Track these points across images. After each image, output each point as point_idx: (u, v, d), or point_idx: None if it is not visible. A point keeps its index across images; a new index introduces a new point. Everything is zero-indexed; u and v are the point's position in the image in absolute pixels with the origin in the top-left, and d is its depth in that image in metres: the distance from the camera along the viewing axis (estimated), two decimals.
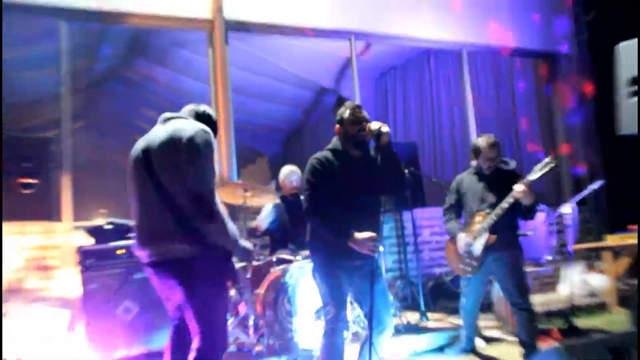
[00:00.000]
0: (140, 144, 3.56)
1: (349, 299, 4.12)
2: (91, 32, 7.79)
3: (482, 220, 5.09)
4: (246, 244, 3.52)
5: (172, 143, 3.37)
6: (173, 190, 3.34)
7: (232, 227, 3.39)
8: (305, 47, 8.37)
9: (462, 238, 5.18)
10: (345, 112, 4.02)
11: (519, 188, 4.83)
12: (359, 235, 3.77)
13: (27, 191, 5.37)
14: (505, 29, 8.98)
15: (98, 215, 7.19)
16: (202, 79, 7.48)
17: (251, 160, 11.80)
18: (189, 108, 3.73)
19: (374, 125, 3.89)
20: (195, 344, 3.35)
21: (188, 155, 3.33)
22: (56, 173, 6.15)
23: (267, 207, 6.28)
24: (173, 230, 3.31)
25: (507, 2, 9.08)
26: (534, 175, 4.85)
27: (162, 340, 4.88)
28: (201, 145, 3.36)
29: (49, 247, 6.14)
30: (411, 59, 9.99)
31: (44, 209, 5.48)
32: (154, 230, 3.40)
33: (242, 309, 5.31)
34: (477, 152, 5.29)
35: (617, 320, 6.53)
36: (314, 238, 4.06)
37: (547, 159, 4.87)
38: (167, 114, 3.63)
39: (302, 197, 4.07)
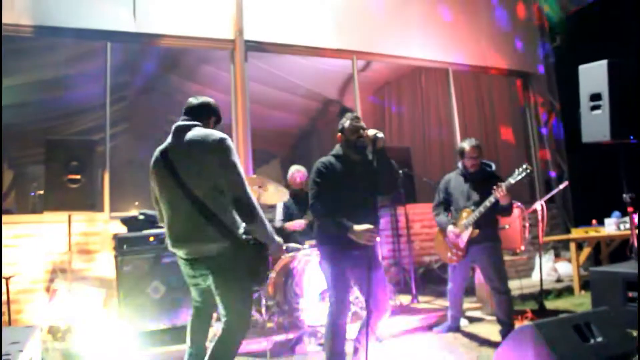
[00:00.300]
0: (160, 158, 3.36)
1: (351, 283, 4.03)
2: (133, 51, 7.71)
3: (468, 216, 5.03)
4: (279, 239, 3.43)
5: (198, 153, 3.24)
6: (202, 195, 3.21)
7: (268, 224, 3.30)
8: (314, 64, 8.28)
9: (451, 230, 5.08)
10: (345, 122, 3.98)
11: (499, 191, 4.78)
12: (358, 227, 3.72)
13: (74, 186, 5.30)
14: (484, 52, 8.89)
15: (133, 207, 7.11)
16: (224, 91, 7.39)
17: (265, 162, 11.70)
18: (189, 105, 3.47)
19: (371, 131, 3.85)
20: (221, 324, 3.29)
21: (221, 164, 3.21)
22: (99, 170, 6.09)
23: (279, 205, 6.17)
24: (204, 231, 3.20)
25: (486, 29, 8.99)
26: (513, 179, 4.83)
27: (186, 317, 4.84)
28: (230, 153, 3.25)
29: (91, 234, 6.12)
30: (405, 75, 9.88)
31: (88, 201, 5.39)
32: (186, 231, 3.27)
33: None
34: (461, 153, 5.24)
35: (581, 302, 6.46)
36: (320, 231, 3.99)
37: (524, 166, 4.88)
38: (179, 124, 3.38)
39: (309, 195, 3.95)
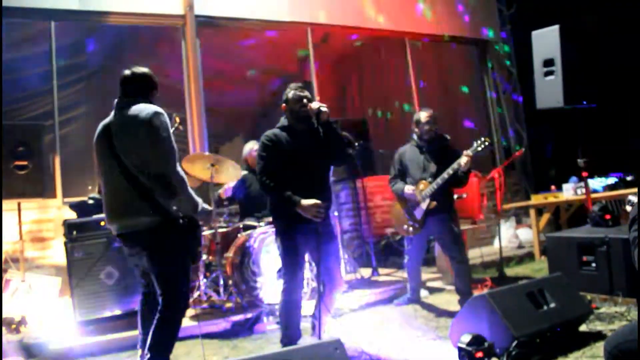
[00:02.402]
0: (101, 132, 3.39)
1: (306, 258, 3.99)
2: (83, 30, 7.44)
3: (425, 188, 4.95)
4: (206, 206, 3.43)
5: (131, 128, 3.24)
6: (135, 170, 3.21)
7: (192, 194, 3.30)
8: (270, 37, 8.09)
9: (410, 188, 5.01)
10: (289, 92, 3.89)
11: (464, 160, 4.74)
12: (305, 202, 3.64)
13: (22, 172, 5.11)
14: (441, 21, 8.79)
15: (88, 191, 6.93)
16: (181, 68, 7.19)
17: (228, 139, 11.51)
18: (124, 77, 3.41)
19: (315, 104, 3.77)
20: (159, 305, 3.27)
21: (149, 139, 3.20)
22: (51, 156, 5.92)
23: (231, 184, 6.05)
24: (136, 205, 3.21)
25: None
26: (472, 151, 4.83)
27: None
28: (160, 128, 3.23)
29: (44, 221, 5.97)
30: (363, 47, 9.75)
31: (37, 187, 5.20)
32: (119, 206, 3.29)
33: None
34: (417, 122, 5.16)
35: (540, 267, 6.50)
36: (273, 206, 3.93)
37: (482, 138, 4.91)
38: (121, 100, 3.38)
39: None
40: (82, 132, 10.04)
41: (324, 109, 3.73)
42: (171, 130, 3.32)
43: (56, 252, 5.79)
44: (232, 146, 11.77)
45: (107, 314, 4.71)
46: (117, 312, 4.73)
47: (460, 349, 3.36)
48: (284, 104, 3.91)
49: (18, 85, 7.93)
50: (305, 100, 3.81)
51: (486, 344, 3.32)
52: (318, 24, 7.71)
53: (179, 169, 3.25)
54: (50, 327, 4.80)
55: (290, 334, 3.79)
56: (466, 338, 3.37)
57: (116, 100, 3.40)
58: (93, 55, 8.78)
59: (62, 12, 6.15)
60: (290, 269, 3.80)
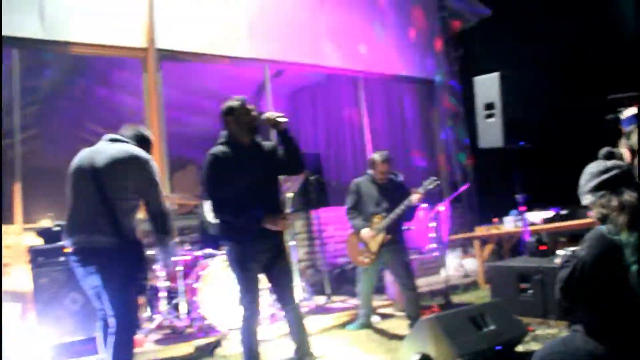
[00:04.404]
0: (85, 156, 3.62)
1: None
2: (39, 55, 7.60)
3: (380, 222, 5.37)
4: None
5: (129, 166, 3.54)
6: (112, 196, 3.47)
7: (173, 245, 3.71)
8: (229, 70, 8.44)
9: (367, 232, 5.40)
10: (234, 103, 3.88)
11: (415, 197, 5.22)
12: (269, 217, 3.80)
13: None
14: (393, 60, 9.36)
15: (46, 217, 7.04)
16: (137, 95, 7.46)
17: (182, 167, 11.74)
18: (132, 132, 3.80)
19: (272, 114, 3.87)
20: (111, 327, 3.46)
21: (148, 182, 3.55)
22: (8, 180, 6.04)
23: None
24: (97, 222, 3.44)
25: (395, 39, 9.46)
26: (423, 189, 5.30)
27: None
28: (155, 172, 3.59)
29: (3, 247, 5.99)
30: (318, 82, 10.23)
31: None
32: (82, 221, 3.50)
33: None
34: (373, 164, 5.57)
35: (485, 295, 6.89)
36: (224, 230, 3.92)
37: (432, 178, 5.41)
38: (113, 135, 3.71)
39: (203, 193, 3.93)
40: (38, 155, 10.11)
41: (282, 119, 3.83)
42: None
43: (15, 279, 5.89)
44: (186, 173, 12.03)
45: (71, 338, 4.87)
46: (81, 337, 4.89)
47: None
48: (228, 116, 3.85)
49: None
50: (254, 113, 3.87)
51: None
52: (275, 60, 8.11)
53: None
54: (12, 354, 4.91)
55: (252, 357, 3.96)
56: (415, 357, 3.79)
57: (111, 134, 3.73)
58: (48, 79, 8.95)
59: (25, 40, 6.28)
60: (247, 294, 3.89)
